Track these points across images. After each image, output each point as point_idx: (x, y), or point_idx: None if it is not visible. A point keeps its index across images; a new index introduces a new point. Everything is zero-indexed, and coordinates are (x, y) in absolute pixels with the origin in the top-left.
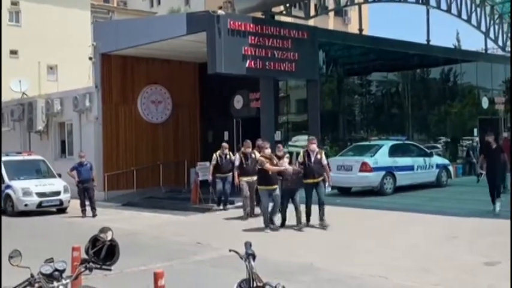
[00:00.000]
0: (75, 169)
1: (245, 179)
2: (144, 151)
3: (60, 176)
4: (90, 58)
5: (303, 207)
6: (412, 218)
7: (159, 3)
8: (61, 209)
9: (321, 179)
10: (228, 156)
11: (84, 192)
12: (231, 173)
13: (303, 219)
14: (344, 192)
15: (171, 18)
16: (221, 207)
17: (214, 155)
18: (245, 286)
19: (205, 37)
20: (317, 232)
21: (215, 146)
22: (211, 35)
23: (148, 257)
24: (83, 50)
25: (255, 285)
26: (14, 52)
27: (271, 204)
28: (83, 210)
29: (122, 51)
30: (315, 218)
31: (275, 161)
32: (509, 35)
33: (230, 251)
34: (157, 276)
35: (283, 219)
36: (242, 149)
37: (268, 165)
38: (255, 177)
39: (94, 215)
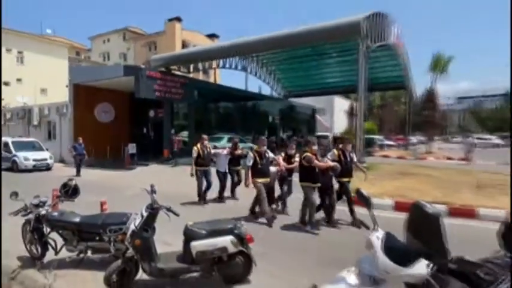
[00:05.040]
0: (74, 147)
1: (260, 180)
2: (99, 138)
3: (47, 149)
4: (67, 86)
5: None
6: None
7: (108, 59)
8: (48, 169)
9: (351, 178)
10: (209, 149)
11: (79, 160)
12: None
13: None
14: None
15: (115, 67)
16: (202, 202)
17: (195, 147)
18: (149, 207)
19: (133, 78)
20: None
21: (138, 136)
22: (136, 77)
23: (99, 193)
24: (63, 80)
25: (155, 206)
26: (19, 80)
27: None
28: (78, 171)
29: (86, 83)
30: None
31: (319, 157)
32: (279, 84)
33: (141, 188)
34: (102, 203)
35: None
36: (255, 147)
37: (317, 162)
38: (268, 179)
39: (78, 174)
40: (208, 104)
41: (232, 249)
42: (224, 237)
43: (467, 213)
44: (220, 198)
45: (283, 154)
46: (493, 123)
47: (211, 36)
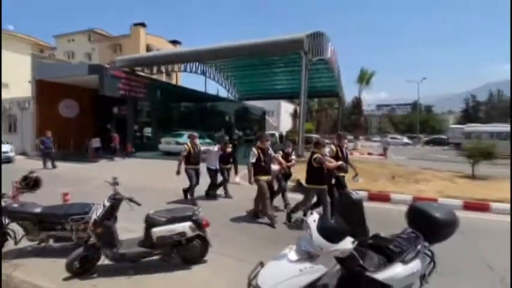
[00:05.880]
0: (42, 141)
1: (264, 178)
2: (63, 132)
3: (8, 143)
4: (29, 81)
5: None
6: None
7: (73, 57)
8: (9, 161)
9: (346, 173)
10: (199, 147)
11: (47, 154)
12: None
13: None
14: (168, 154)
15: (80, 65)
16: (190, 201)
17: (186, 145)
18: (112, 197)
19: (98, 77)
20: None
21: (103, 131)
22: (101, 76)
23: (62, 185)
24: (25, 76)
25: (118, 197)
26: None
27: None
28: (44, 164)
29: (50, 79)
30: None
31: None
32: (234, 88)
33: (104, 181)
34: (64, 194)
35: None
36: (258, 143)
37: (328, 163)
38: (270, 177)
39: (54, 167)
40: (170, 103)
41: (190, 233)
42: (183, 223)
43: (383, 198)
44: (213, 196)
45: (281, 152)
46: (403, 126)
47: (174, 42)
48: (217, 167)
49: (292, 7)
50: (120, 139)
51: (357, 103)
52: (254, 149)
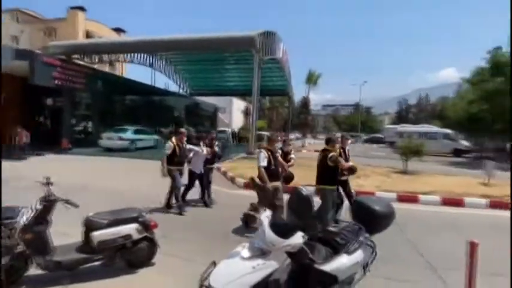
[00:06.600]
0: None
1: (277, 183)
2: None
3: None
4: None
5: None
6: (135, 161)
7: None
8: None
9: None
10: (185, 146)
11: None
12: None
13: None
14: (109, 150)
15: (4, 48)
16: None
17: (171, 143)
18: (44, 199)
19: (28, 63)
20: None
21: (35, 123)
22: (31, 63)
23: None
24: None
25: (51, 198)
26: None
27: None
28: None
29: None
30: None
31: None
32: (186, 83)
33: (35, 181)
34: None
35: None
36: (266, 144)
37: (343, 163)
38: (280, 183)
39: None
40: (114, 95)
41: (136, 236)
42: (128, 225)
43: None
44: (203, 201)
45: (280, 151)
46: (346, 126)
47: (118, 30)
48: (202, 171)
49: (246, 5)
50: (30, 135)
51: (305, 103)
52: (264, 151)
